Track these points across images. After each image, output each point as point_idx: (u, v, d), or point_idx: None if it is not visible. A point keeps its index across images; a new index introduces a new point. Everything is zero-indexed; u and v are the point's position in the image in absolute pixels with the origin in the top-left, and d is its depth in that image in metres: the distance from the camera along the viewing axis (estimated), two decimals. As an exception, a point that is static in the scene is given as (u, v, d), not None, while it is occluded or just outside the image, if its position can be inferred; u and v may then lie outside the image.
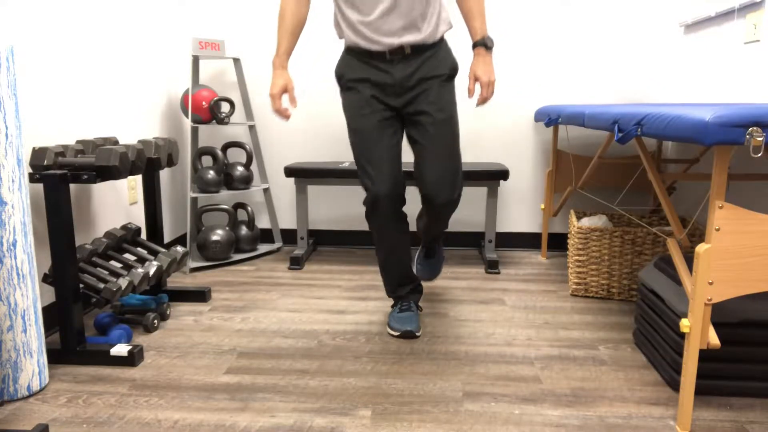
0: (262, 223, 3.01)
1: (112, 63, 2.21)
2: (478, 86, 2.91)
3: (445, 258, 2.05)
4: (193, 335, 1.86)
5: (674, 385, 1.49)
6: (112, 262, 2.03)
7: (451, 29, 1.78)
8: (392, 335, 1.83)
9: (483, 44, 1.67)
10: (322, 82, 2.82)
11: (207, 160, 2.92)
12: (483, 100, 1.70)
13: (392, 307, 1.93)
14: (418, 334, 1.82)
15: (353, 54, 1.73)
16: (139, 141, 1.90)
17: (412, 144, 1.76)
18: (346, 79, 1.75)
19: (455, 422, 1.35)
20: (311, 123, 2.87)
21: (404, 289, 1.90)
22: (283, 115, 1.70)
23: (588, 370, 1.61)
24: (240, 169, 2.68)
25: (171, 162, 2.01)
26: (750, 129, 1.09)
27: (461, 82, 2.74)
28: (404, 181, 1.75)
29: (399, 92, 1.70)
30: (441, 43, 1.73)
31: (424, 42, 1.67)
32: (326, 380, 1.56)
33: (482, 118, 2.81)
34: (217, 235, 2.59)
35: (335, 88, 2.83)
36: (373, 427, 1.33)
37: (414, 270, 2.08)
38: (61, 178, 1.56)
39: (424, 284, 2.35)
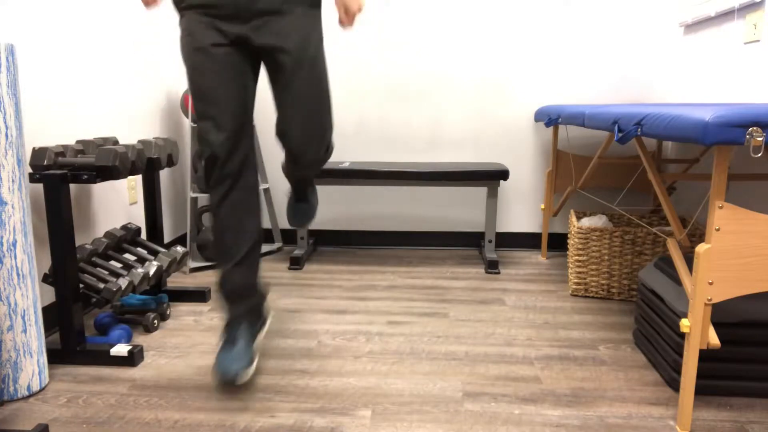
0: (262, 223, 3.01)
1: (112, 63, 2.21)
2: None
3: (316, 204, 1.74)
4: (193, 335, 1.86)
5: (674, 385, 1.49)
6: (112, 262, 2.03)
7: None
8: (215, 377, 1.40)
9: None
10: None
11: (207, 160, 2.91)
12: (348, 26, 1.42)
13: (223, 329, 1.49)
14: (238, 382, 1.36)
15: None
16: (139, 141, 1.90)
17: (271, 86, 1.44)
18: (180, 5, 1.39)
19: (455, 422, 1.35)
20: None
21: (229, 284, 1.45)
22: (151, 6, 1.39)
23: (588, 370, 1.61)
24: (240, 169, 2.67)
25: (171, 162, 2.00)
26: (750, 129, 1.09)
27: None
28: (249, 134, 1.43)
29: (244, 17, 1.35)
30: None
31: None
32: (326, 380, 1.56)
33: (482, 118, 2.81)
34: (217, 235, 2.58)
35: (335, 88, 2.83)
36: (373, 427, 1.33)
37: (288, 218, 1.78)
38: (61, 178, 1.56)
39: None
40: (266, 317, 1.60)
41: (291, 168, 1.55)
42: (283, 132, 1.45)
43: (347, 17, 1.40)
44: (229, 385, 1.44)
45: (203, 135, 1.40)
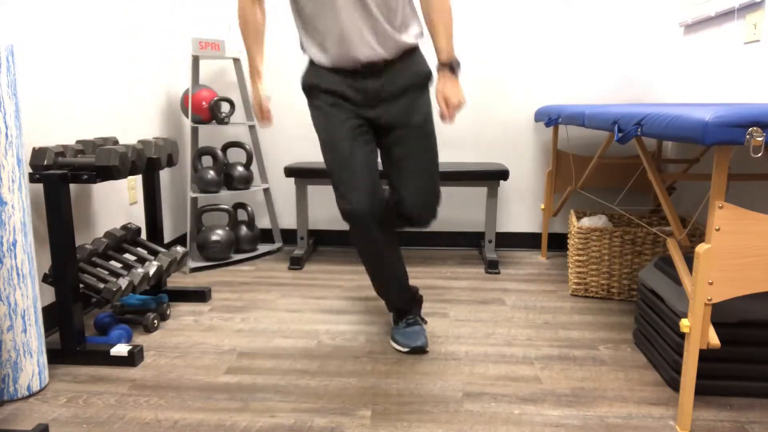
0: (262, 223, 3.01)
1: (112, 63, 2.21)
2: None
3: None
4: (193, 335, 1.86)
5: (674, 385, 1.49)
6: (112, 262, 2.03)
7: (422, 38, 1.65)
8: (400, 351, 1.74)
9: (449, 67, 1.55)
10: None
11: (207, 160, 2.92)
12: (451, 118, 1.58)
13: (395, 322, 1.82)
14: (427, 349, 1.74)
15: (320, 66, 1.61)
16: (139, 141, 1.90)
17: (386, 159, 1.67)
18: (315, 90, 1.62)
19: (455, 422, 1.35)
20: (311, 123, 2.87)
21: (403, 301, 1.79)
22: (266, 125, 1.68)
23: (588, 370, 1.61)
24: (240, 169, 2.68)
25: (171, 162, 2.00)
26: (750, 129, 1.09)
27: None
28: (383, 196, 1.62)
29: (372, 104, 1.60)
30: (415, 51, 1.63)
31: (392, 56, 1.56)
32: (326, 380, 1.56)
33: (482, 118, 2.81)
34: (217, 235, 2.58)
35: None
36: (373, 427, 1.33)
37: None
38: (61, 178, 1.56)
39: (419, 282, 2.35)
40: (422, 299, 1.90)
41: (401, 225, 1.74)
42: (402, 201, 1.65)
43: (449, 110, 1.56)
44: (421, 351, 1.73)
45: (344, 197, 1.57)
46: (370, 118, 1.62)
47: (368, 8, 1.49)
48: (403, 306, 1.80)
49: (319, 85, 1.61)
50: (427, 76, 1.64)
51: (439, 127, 2.83)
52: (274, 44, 2.80)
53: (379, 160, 1.70)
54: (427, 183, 1.64)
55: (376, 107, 1.61)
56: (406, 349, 1.73)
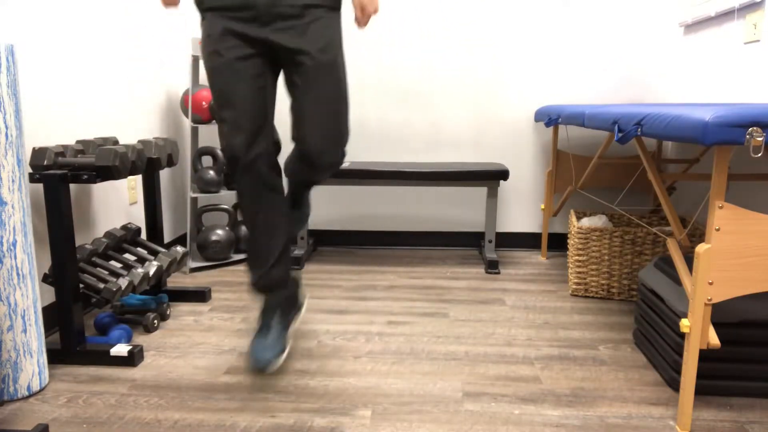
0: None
1: (112, 63, 2.21)
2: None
3: (309, 214, 1.74)
4: (193, 335, 1.86)
5: (674, 385, 1.49)
6: (112, 262, 2.03)
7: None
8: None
9: None
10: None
11: (207, 160, 2.91)
12: (362, 26, 1.43)
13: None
14: (268, 370, 1.44)
15: None
16: (139, 141, 1.90)
17: (288, 90, 1.47)
18: (203, 6, 1.42)
19: (455, 422, 1.35)
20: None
21: (268, 279, 1.50)
22: (171, 7, 1.45)
23: (588, 370, 1.61)
24: (240, 169, 2.67)
25: (171, 162, 2.00)
26: (750, 129, 1.09)
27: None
28: (274, 136, 1.46)
29: (264, 20, 1.38)
30: None
31: None
32: (326, 380, 1.56)
33: (482, 118, 2.81)
34: (217, 235, 2.59)
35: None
36: (373, 427, 1.33)
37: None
38: (61, 178, 1.56)
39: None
40: (301, 304, 1.63)
41: (303, 171, 1.55)
42: (301, 135, 1.45)
43: (363, 17, 1.42)
44: (261, 372, 1.48)
45: (224, 137, 1.42)
46: (264, 40, 1.40)
47: None
48: (263, 286, 1.52)
49: (208, 1, 1.40)
50: None
51: (440, 127, 2.83)
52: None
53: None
54: (331, 120, 1.44)
55: (270, 25, 1.39)
56: (247, 366, 1.47)
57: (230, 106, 1.40)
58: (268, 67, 1.45)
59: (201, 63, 2.81)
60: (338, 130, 1.46)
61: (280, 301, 1.56)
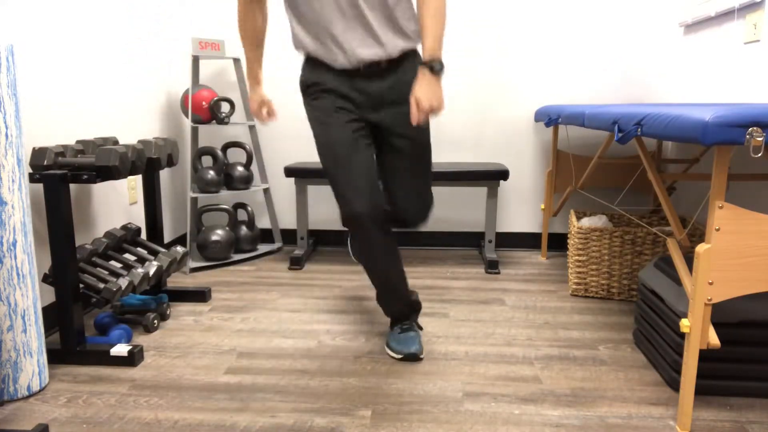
0: (262, 223, 3.01)
1: (112, 63, 2.21)
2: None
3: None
4: (193, 335, 1.86)
5: (674, 385, 1.49)
6: (112, 262, 2.03)
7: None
8: (393, 357, 1.70)
9: (429, 66, 1.45)
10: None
11: (207, 160, 2.92)
12: (416, 122, 1.46)
13: (391, 327, 1.80)
14: (421, 356, 1.70)
15: (320, 63, 1.58)
16: (139, 141, 1.90)
17: (382, 162, 1.66)
18: (313, 89, 1.59)
19: (455, 422, 1.35)
20: (311, 123, 2.87)
21: (401, 307, 1.75)
22: (268, 122, 1.64)
23: (588, 370, 1.61)
24: (240, 169, 2.68)
25: (171, 162, 2.01)
26: (750, 129, 1.09)
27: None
28: (383, 199, 1.60)
29: (375, 107, 1.59)
30: (418, 55, 1.60)
31: (393, 56, 1.54)
32: (326, 380, 1.56)
33: (482, 118, 2.81)
34: (217, 235, 2.59)
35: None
36: (373, 427, 1.33)
37: (350, 252, 2.01)
38: (61, 178, 1.56)
39: (416, 281, 2.35)
40: (419, 305, 1.86)
41: (395, 227, 1.77)
42: (397, 205, 1.67)
43: (418, 113, 1.46)
44: (413, 359, 1.69)
45: (346, 208, 1.55)
46: (372, 122, 1.61)
47: (366, 4, 1.47)
48: (400, 313, 1.77)
49: (318, 83, 1.58)
50: None
51: (440, 128, 2.83)
52: (271, 43, 2.80)
53: None
54: (422, 190, 1.67)
55: (379, 111, 1.59)
56: (399, 356, 1.70)
57: (349, 172, 1.54)
58: (373, 140, 1.65)
59: (201, 63, 2.82)
60: (428, 201, 1.70)
61: (412, 317, 1.81)
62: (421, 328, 1.87)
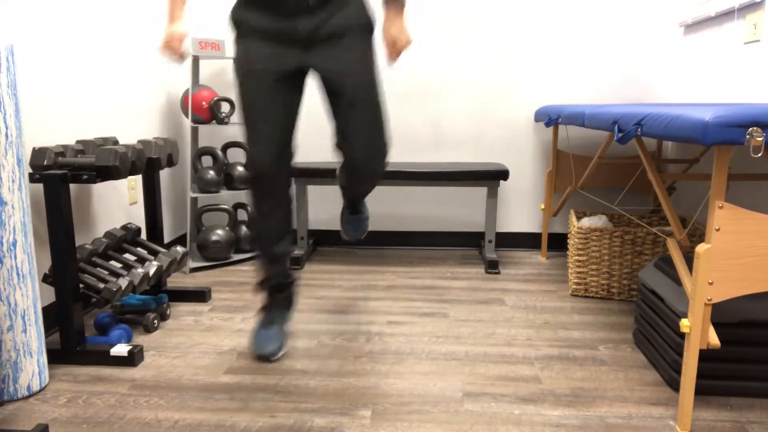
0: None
1: (112, 63, 2.21)
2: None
3: (369, 216, 1.89)
4: (193, 335, 1.86)
5: (674, 385, 1.49)
6: (112, 262, 2.03)
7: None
8: (254, 349, 1.64)
9: (397, 3, 1.42)
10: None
11: (207, 160, 2.92)
12: (394, 61, 1.52)
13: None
14: (273, 359, 1.60)
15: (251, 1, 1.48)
16: (139, 141, 1.90)
17: (331, 106, 1.56)
18: (242, 26, 1.49)
19: (455, 422, 1.35)
20: (311, 123, 2.87)
21: (270, 285, 1.67)
22: (177, 60, 1.51)
23: (588, 370, 1.61)
24: (240, 169, 2.68)
25: (171, 162, 2.00)
26: (750, 129, 1.09)
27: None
28: (292, 152, 1.55)
29: (306, 45, 1.47)
30: None
31: None
32: (326, 380, 1.56)
33: (483, 118, 2.81)
34: (217, 235, 2.59)
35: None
36: (373, 427, 1.33)
37: (342, 231, 1.94)
38: (61, 178, 1.56)
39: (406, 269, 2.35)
40: (295, 303, 1.81)
41: (351, 181, 1.67)
42: (348, 150, 1.55)
43: (394, 51, 1.48)
44: (264, 361, 1.63)
45: (253, 152, 1.51)
46: (303, 63, 1.49)
47: None
48: (271, 285, 1.67)
49: (247, 22, 1.48)
50: (370, 21, 1.52)
51: (440, 127, 2.83)
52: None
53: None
54: (372, 135, 1.54)
55: (310, 50, 1.48)
56: (251, 354, 1.62)
57: (260, 129, 1.48)
58: (299, 87, 1.54)
59: (201, 63, 2.81)
60: (381, 144, 1.57)
61: (281, 300, 1.72)
62: (290, 315, 1.77)
